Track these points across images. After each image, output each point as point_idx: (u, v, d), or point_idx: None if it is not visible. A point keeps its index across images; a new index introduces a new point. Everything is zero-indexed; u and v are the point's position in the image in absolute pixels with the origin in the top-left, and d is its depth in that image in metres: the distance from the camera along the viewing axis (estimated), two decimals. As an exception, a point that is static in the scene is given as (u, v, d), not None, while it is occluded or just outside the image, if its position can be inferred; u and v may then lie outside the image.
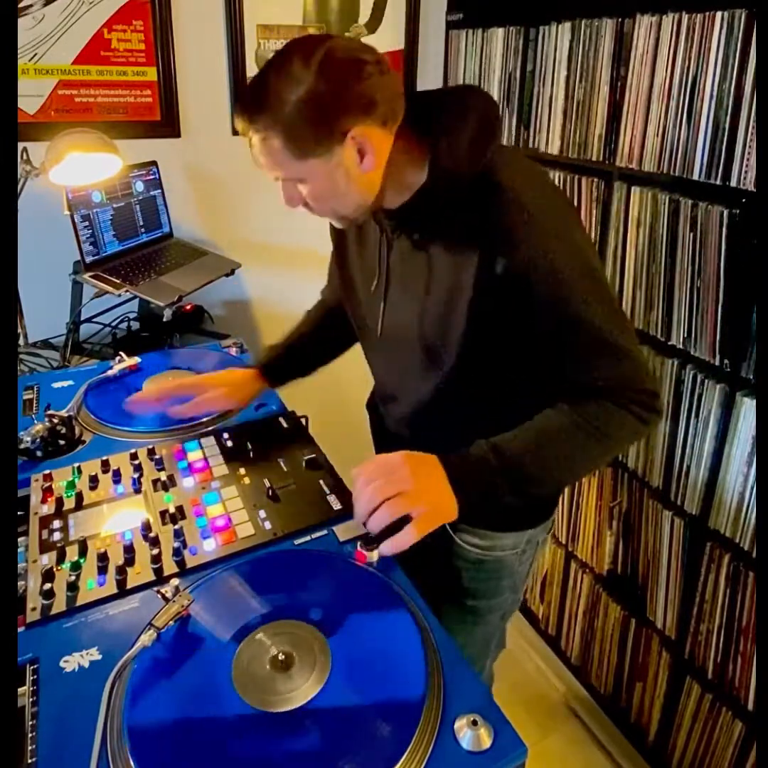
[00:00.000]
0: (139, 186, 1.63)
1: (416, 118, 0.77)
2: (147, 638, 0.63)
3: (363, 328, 0.99)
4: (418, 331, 0.85)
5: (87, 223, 1.47)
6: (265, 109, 0.71)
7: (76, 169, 1.30)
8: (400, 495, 0.71)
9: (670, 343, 1.21)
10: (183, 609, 0.66)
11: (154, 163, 1.67)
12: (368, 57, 0.72)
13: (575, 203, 1.40)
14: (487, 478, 0.75)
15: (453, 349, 0.82)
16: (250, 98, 0.73)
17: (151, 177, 1.67)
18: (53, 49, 1.52)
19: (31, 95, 1.52)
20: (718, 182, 1.07)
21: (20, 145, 1.32)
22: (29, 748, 0.56)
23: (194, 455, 0.97)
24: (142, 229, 1.64)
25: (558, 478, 0.83)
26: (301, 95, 0.69)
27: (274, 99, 0.70)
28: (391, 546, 0.70)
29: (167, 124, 1.69)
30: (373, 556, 0.76)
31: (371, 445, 1.14)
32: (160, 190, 1.69)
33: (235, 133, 1.78)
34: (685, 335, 1.18)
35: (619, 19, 1.24)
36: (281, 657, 0.63)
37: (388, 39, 1.89)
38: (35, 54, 1.51)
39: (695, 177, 1.12)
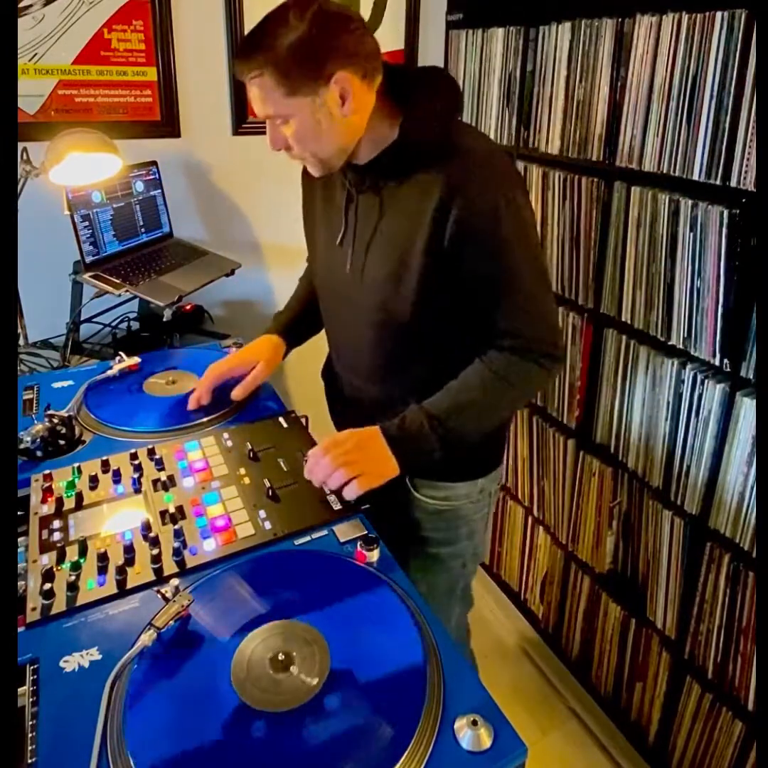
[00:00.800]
0: (139, 186, 1.63)
1: (392, 87, 0.90)
2: (147, 638, 0.63)
3: (326, 283, 1.07)
4: (377, 280, 0.94)
5: (87, 223, 1.47)
6: (261, 49, 0.80)
7: (76, 169, 1.30)
8: (348, 463, 0.85)
9: (670, 343, 1.21)
10: (183, 609, 0.66)
11: (154, 163, 1.67)
12: (355, 16, 0.84)
13: (575, 203, 1.40)
14: (422, 442, 0.89)
15: (408, 297, 0.91)
16: (249, 41, 0.83)
17: (151, 177, 1.67)
18: (53, 49, 1.52)
19: (31, 95, 1.53)
20: (718, 182, 1.07)
21: (20, 145, 1.32)
22: (29, 748, 0.56)
23: (194, 455, 0.97)
24: (142, 229, 1.64)
25: (478, 430, 0.95)
26: (293, 39, 0.79)
27: (270, 41, 0.79)
28: (349, 493, 0.85)
29: (167, 124, 1.69)
30: (373, 556, 0.76)
31: None
32: (160, 190, 1.69)
33: (234, 133, 1.79)
34: (685, 335, 1.18)
35: (619, 19, 1.24)
36: (281, 657, 0.63)
37: (388, 39, 1.89)
38: (35, 54, 1.51)
39: (695, 177, 1.12)
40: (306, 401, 1.19)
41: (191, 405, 1.09)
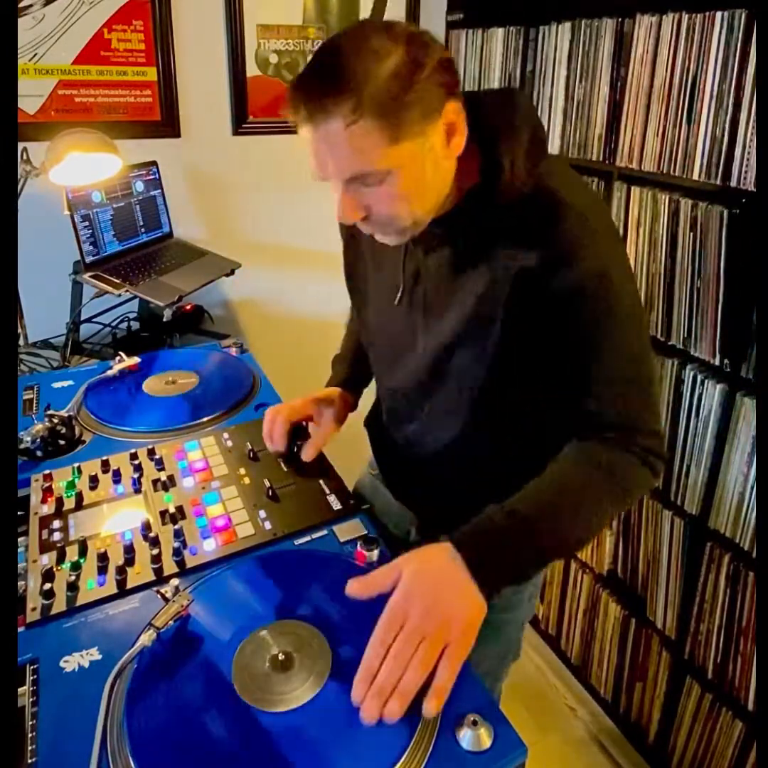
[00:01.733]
0: (139, 186, 1.63)
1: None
2: (147, 638, 0.63)
3: (381, 339, 0.92)
4: (453, 342, 0.78)
5: (87, 223, 1.47)
6: (351, 87, 0.59)
7: (76, 169, 1.30)
8: (422, 644, 0.59)
9: (670, 343, 1.21)
10: (183, 609, 0.66)
11: (154, 163, 1.67)
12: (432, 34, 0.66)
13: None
14: (509, 558, 0.65)
15: (483, 367, 0.76)
16: (325, 78, 0.61)
17: (151, 177, 1.67)
18: (53, 49, 1.52)
19: (31, 95, 1.52)
20: (718, 182, 1.07)
21: (20, 145, 1.32)
22: (29, 748, 0.56)
23: (194, 455, 0.97)
24: (142, 229, 1.64)
25: (577, 542, 0.73)
26: (393, 68, 0.60)
27: (362, 75, 0.60)
28: (435, 701, 0.57)
29: (167, 124, 1.69)
30: (373, 556, 0.76)
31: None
32: (160, 190, 1.69)
33: (234, 133, 1.79)
34: (685, 335, 1.18)
35: (619, 19, 1.24)
36: (281, 657, 0.63)
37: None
38: (35, 54, 1.51)
39: (695, 177, 1.12)
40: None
41: (280, 448, 0.95)
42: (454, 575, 0.62)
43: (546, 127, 1.47)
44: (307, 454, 0.94)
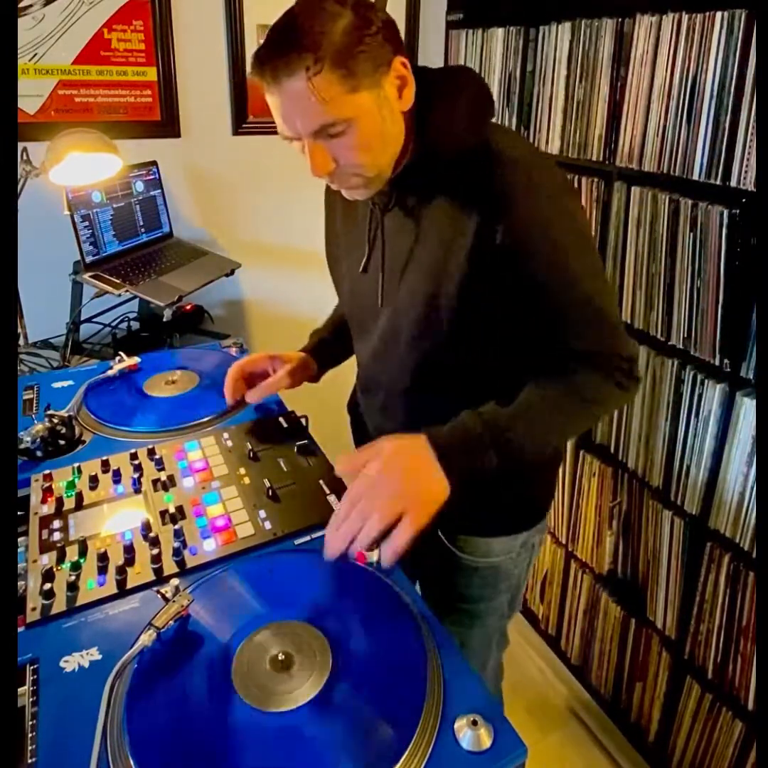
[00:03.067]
0: (139, 186, 1.63)
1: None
2: (147, 638, 0.63)
3: (354, 313, 0.98)
4: (409, 303, 0.83)
5: (87, 223, 1.47)
6: (309, 44, 0.66)
7: (76, 169, 1.30)
8: (382, 500, 0.69)
9: (670, 343, 1.21)
10: (183, 609, 0.66)
11: (154, 163, 1.67)
12: None
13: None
14: (475, 444, 0.75)
15: (444, 320, 0.80)
16: (286, 35, 0.69)
17: (151, 177, 1.67)
18: (53, 49, 1.52)
19: (31, 95, 1.53)
20: (718, 182, 1.07)
21: (20, 145, 1.32)
22: (29, 748, 0.56)
23: (194, 455, 0.97)
24: (142, 229, 1.64)
25: (543, 442, 0.81)
26: (345, 25, 0.68)
27: (318, 33, 0.67)
28: (390, 552, 0.67)
29: (167, 124, 1.69)
30: (373, 556, 0.76)
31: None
32: (160, 190, 1.69)
33: (234, 133, 1.79)
34: (685, 335, 1.18)
35: (619, 19, 1.24)
36: (281, 657, 0.63)
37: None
38: (35, 54, 1.51)
39: (695, 177, 1.12)
40: (306, 401, 1.19)
41: (230, 400, 1.05)
42: (423, 457, 0.73)
43: (545, 127, 1.47)
44: (250, 396, 1.03)
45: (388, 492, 0.69)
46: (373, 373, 0.97)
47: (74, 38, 1.53)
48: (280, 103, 0.70)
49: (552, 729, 1.58)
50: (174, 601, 0.66)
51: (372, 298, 0.89)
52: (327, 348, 1.12)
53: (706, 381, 1.15)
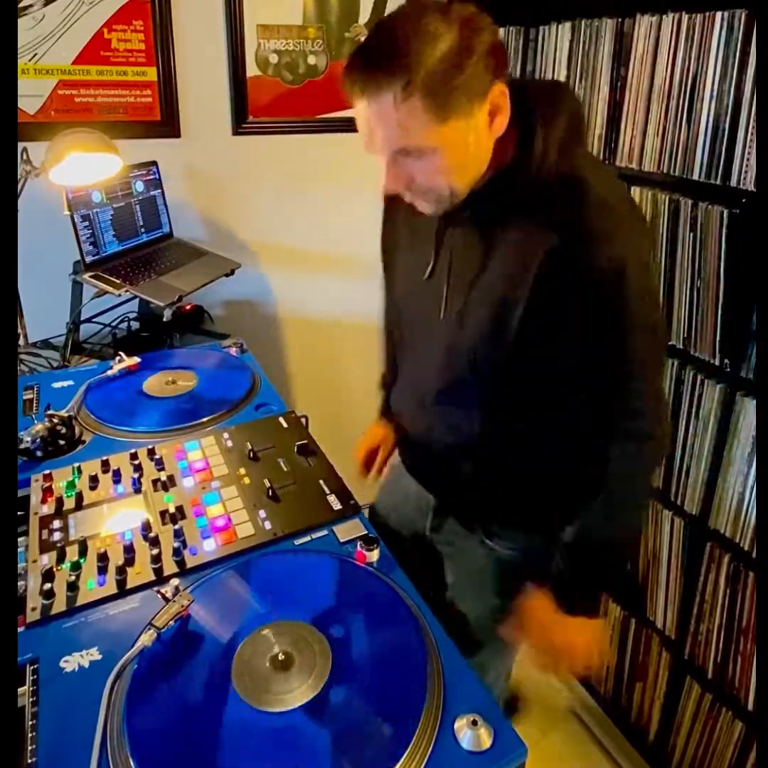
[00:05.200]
0: (139, 186, 1.62)
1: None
2: (147, 638, 0.63)
3: (410, 319, 0.95)
4: (476, 324, 0.80)
5: (87, 223, 1.47)
6: (403, 68, 0.63)
7: (76, 169, 1.30)
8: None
9: (669, 342, 1.21)
10: (183, 609, 0.66)
11: (154, 163, 1.67)
12: (484, 14, 0.69)
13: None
14: (590, 585, 0.88)
15: (502, 340, 0.78)
16: (379, 56, 0.65)
17: (151, 177, 1.67)
18: (53, 49, 1.52)
19: (31, 95, 1.52)
20: (718, 182, 1.07)
21: (20, 145, 1.32)
22: (29, 748, 0.56)
23: (194, 455, 0.97)
24: (142, 229, 1.64)
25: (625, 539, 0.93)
26: (445, 50, 0.64)
27: (414, 56, 0.63)
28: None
29: (167, 124, 1.69)
30: (373, 556, 0.76)
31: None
32: (160, 190, 1.69)
33: (234, 133, 1.78)
34: (685, 335, 1.18)
35: (619, 19, 1.24)
36: (281, 657, 0.63)
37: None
38: (35, 54, 1.50)
39: (695, 177, 1.12)
40: (306, 401, 1.19)
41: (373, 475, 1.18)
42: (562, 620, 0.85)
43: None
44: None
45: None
46: (421, 380, 0.94)
47: (74, 38, 1.53)
48: (364, 117, 0.68)
49: (552, 729, 1.57)
50: (174, 601, 0.66)
51: (435, 307, 0.86)
52: None
53: (706, 381, 1.15)
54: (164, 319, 1.48)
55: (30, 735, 0.57)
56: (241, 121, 1.77)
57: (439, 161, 0.69)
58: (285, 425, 1.06)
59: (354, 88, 0.67)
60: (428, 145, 0.68)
